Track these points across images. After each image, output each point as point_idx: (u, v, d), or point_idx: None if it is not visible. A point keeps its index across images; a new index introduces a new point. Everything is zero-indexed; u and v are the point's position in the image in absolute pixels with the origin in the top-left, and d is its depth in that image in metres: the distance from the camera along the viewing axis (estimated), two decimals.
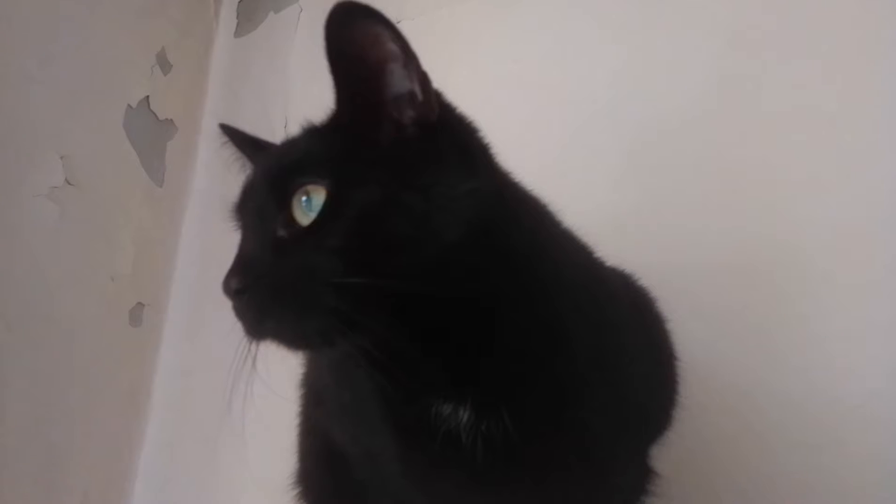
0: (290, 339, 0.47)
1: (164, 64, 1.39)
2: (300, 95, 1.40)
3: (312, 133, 0.53)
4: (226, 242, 1.50)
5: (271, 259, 0.46)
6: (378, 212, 0.45)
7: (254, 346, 0.49)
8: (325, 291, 0.43)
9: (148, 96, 1.33)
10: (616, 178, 0.98)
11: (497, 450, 0.48)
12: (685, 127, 0.94)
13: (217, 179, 1.48)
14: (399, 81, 0.49)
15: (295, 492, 0.75)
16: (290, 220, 0.47)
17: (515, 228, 0.51)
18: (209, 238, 1.44)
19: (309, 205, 0.46)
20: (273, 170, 0.51)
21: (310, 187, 0.46)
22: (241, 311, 0.47)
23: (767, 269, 0.83)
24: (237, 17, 1.61)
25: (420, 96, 0.49)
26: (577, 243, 0.59)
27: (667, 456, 0.65)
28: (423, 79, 0.49)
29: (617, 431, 0.53)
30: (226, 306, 1.39)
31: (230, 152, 0.63)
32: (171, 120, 1.41)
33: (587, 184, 0.97)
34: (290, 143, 0.54)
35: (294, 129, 0.59)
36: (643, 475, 0.62)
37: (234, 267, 0.47)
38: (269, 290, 0.45)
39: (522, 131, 0.90)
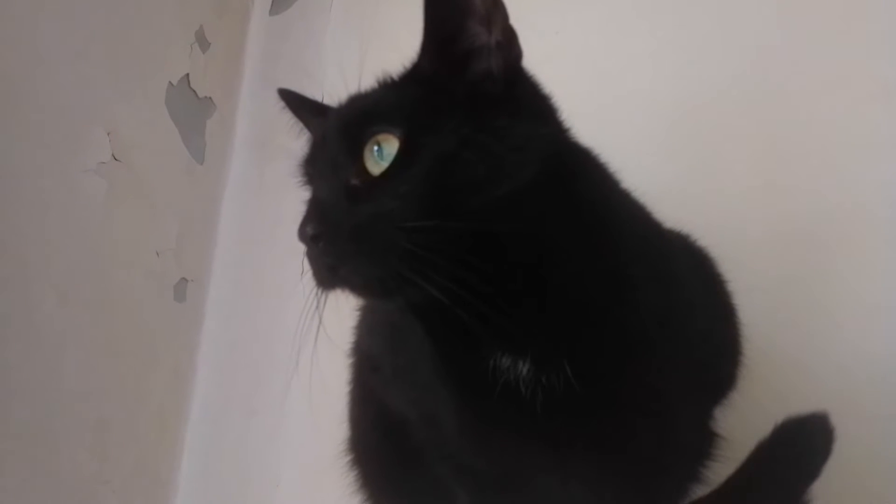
0: (363, 286, 0.47)
1: (202, 42, 1.38)
2: (335, 72, 1.39)
3: (386, 85, 0.54)
4: (264, 219, 1.50)
5: (346, 207, 0.46)
6: (452, 155, 0.45)
7: (322, 297, 0.49)
8: (399, 236, 0.43)
9: (188, 74, 1.33)
10: (661, 149, 0.96)
11: (557, 403, 0.47)
12: (732, 96, 0.92)
13: (254, 156, 1.50)
14: (487, 32, 0.50)
15: (348, 458, 0.76)
16: (363, 170, 0.47)
17: (583, 176, 0.51)
18: (247, 214, 1.46)
19: (380, 154, 0.47)
20: (344, 121, 0.51)
21: (380, 137, 0.47)
22: (316, 258, 0.47)
23: (822, 239, 0.81)
24: None
25: (505, 47, 0.50)
26: (637, 201, 0.58)
27: (722, 424, 0.64)
28: (510, 32, 0.51)
29: (680, 388, 0.52)
30: (264, 282, 1.38)
31: (287, 118, 0.63)
32: (210, 98, 1.41)
33: (631, 155, 0.96)
34: (362, 96, 0.54)
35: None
36: (707, 438, 0.60)
37: (308, 214, 0.48)
38: (345, 235, 0.45)
39: (564, 102, 0.89)
